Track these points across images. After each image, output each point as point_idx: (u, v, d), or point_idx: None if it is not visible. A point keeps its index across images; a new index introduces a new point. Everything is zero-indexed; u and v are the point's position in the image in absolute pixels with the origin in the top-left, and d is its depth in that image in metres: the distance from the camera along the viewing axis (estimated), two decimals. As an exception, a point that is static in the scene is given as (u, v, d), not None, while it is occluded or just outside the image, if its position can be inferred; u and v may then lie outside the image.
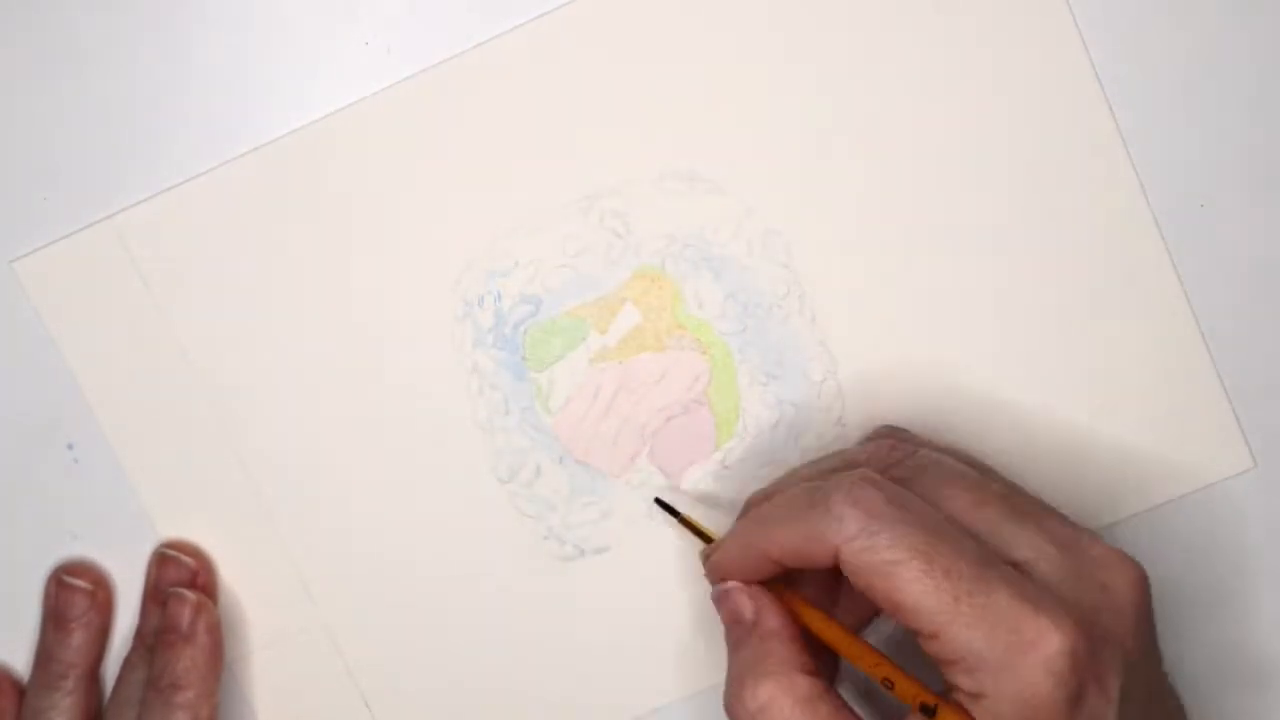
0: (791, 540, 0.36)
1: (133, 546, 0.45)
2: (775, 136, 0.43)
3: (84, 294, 0.44)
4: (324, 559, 0.45)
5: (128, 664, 0.44)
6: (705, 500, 0.44)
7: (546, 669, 0.45)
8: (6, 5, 0.43)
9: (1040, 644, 0.34)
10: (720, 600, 0.39)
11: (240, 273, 0.44)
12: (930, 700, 0.35)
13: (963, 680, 0.34)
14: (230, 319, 0.44)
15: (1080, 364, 0.44)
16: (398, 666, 0.45)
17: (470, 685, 0.45)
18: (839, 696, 0.37)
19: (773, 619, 0.38)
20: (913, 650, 0.36)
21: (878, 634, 0.42)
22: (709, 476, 0.44)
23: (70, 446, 0.44)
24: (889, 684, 0.36)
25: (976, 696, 0.34)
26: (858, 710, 0.36)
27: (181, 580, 0.44)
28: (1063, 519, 0.38)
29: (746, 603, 0.39)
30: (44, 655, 0.44)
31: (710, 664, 0.45)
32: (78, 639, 0.44)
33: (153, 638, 0.43)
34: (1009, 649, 0.34)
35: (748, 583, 0.39)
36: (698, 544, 0.43)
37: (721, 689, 0.38)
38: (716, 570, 0.39)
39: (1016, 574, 0.35)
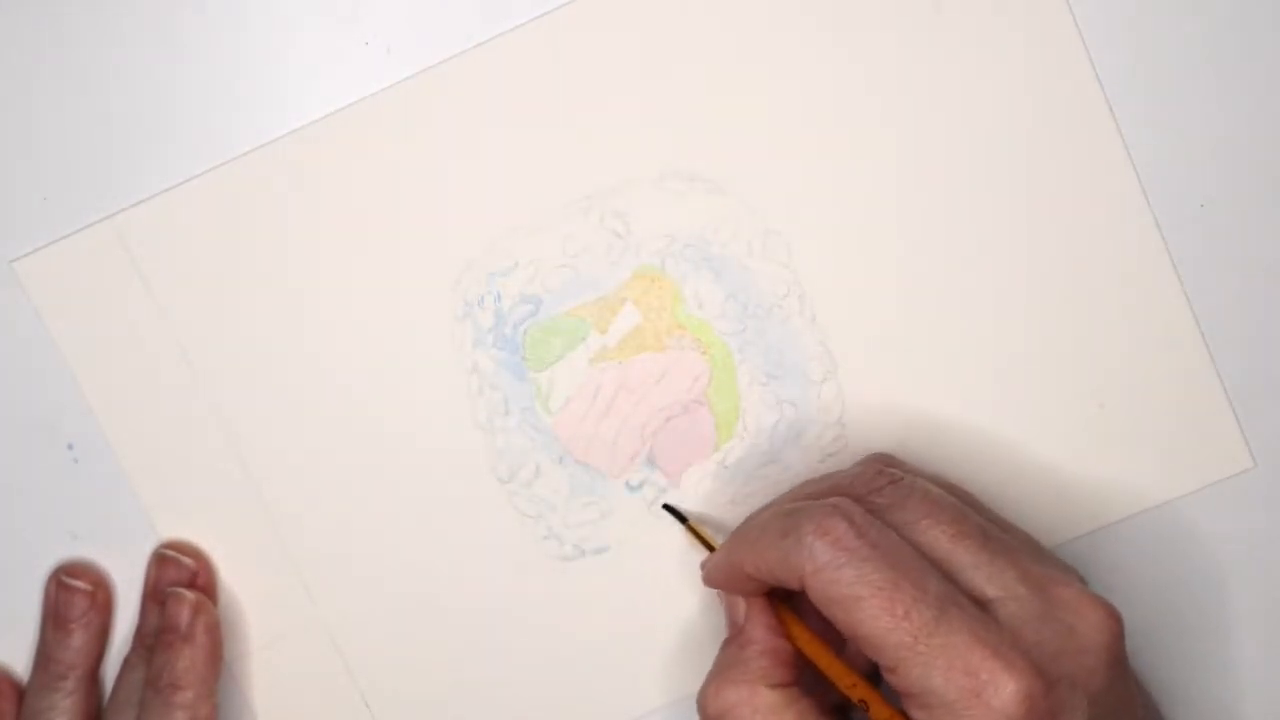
0: (765, 564, 0.37)
1: (133, 546, 0.44)
2: (775, 136, 0.43)
3: (84, 294, 0.44)
4: (324, 559, 0.45)
5: (127, 664, 0.44)
6: (706, 501, 0.44)
7: (546, 669, 0.45)
8: (6, 5, 0.43)
9: (996, 687, 0.34)
10: (720, 596, 0.41)
11: (240, 273, 0.44)
12: None
13: (920, 715, 0.35)
14: (230, 319, 0.44)
15: (1080, 364, 0.44)
16: (398, 666, 0.45)
17: (470, 685, 0.45)
18: (815, 706, 0.38)
19: (756, 628, 0.39)
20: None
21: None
22: (709, 476, 0.44)
23: (70, 446, 0.44)
24: (865, 705, 0.37)
25: None
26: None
27: (181, 580, 0.44)
28: (1040, 558, 0.39)
29: (738, 605, 0.40)
30: (44, 656, 0.44)
31: (710, 664, 0.44)
32: (78, 639, 0.44)
33: (152, 638, 0.43)
34: (964, 691, 0.34)
35: (742, 595, 0.40)
36: (699, 549, 0.43)
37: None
38: (708, 582, 0.41)
39: (979, 614, 0.35)
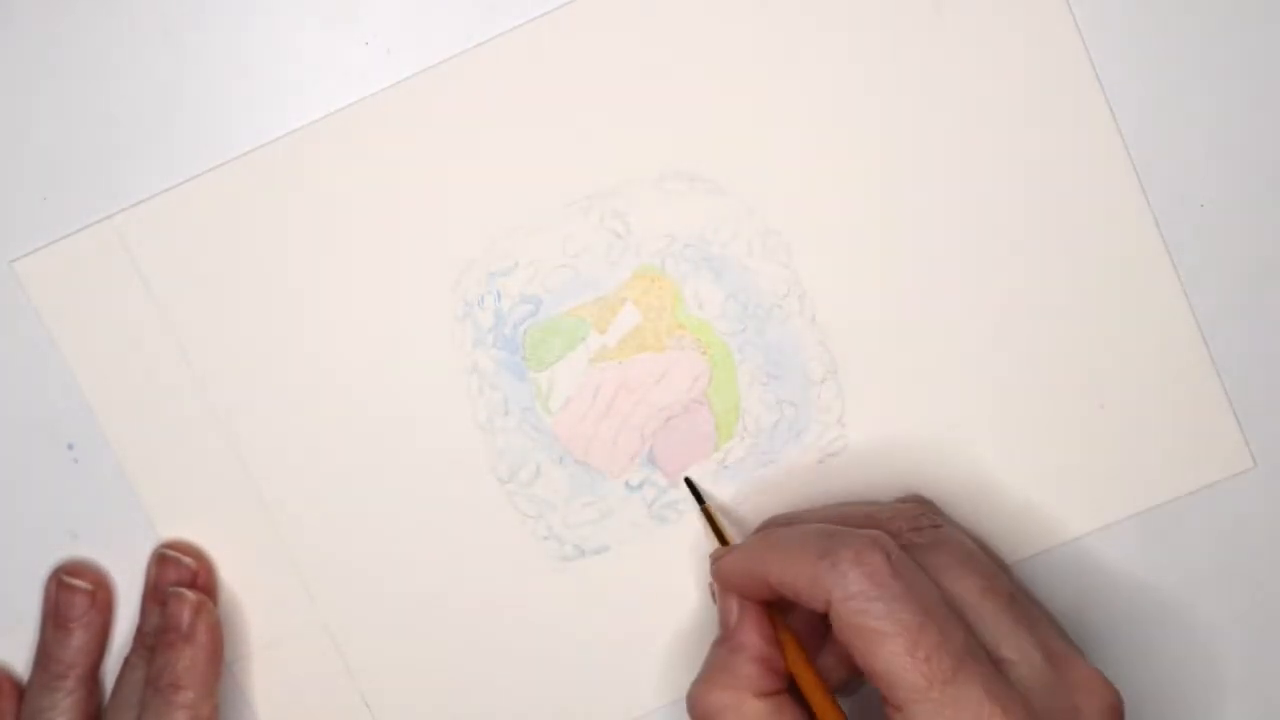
0: (793, 578, 0.37)
1: (133, 546, 0.45)
2: (775, 137, 0.43)
3: (84, 294, 0.44)
4: (324, 559, 0.45)
5: (128, 664, 0.44)
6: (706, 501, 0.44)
7: (546, 668, 0.45)
8: (7, 5, 0.43)
9: None
10: (714, 594, 0.41)
11: (240, 273, 0.44)
12: None
13: None
14: (230, 319, 0.44)
15: (1080, 364, 0.44)
16: (398, 666, 0.45)
17: (470, 685, 0.45)
18: (802, 716, 0.38)
19: (748, 635, 0.39)
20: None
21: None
22: (709, 476, 0.44)
23: (70, 446, 0.44)
24: None
25: None
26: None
27: (181, 580, 0.44)
28: (1058, 633, 0.39)
29: (733, 608, 0.40)
30: (44, 655, 0.44)
31: (710, 664, 0.45)
32: (78, 639, 0.44)
33: (153, 638, 0.43)
34: None
35: (745, 598, 0.40)
36: (709, 539, 0.43)
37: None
38: (720, 578, 0.40)
39: (995, 671, 0.36)
